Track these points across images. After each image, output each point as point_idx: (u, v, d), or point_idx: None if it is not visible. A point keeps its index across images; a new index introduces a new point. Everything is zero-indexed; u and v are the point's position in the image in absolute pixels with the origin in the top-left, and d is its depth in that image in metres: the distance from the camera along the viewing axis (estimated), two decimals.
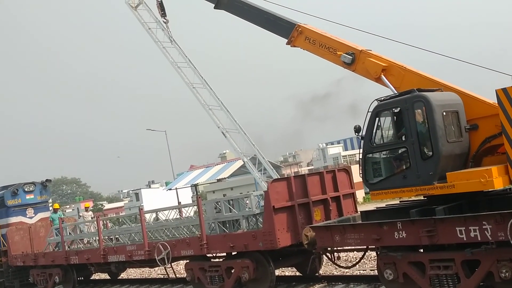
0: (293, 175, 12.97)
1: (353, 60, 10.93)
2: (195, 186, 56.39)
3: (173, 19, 17.59)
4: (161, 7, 17.27)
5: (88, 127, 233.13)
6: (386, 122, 9.60)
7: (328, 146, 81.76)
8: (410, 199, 10.05)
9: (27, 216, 21.49)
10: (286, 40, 12.28)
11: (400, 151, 9.37)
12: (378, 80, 10.59)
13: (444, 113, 8.89)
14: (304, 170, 66.49)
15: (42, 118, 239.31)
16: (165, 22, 17.46)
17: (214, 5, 14.08)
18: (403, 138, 9.23)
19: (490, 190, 8.47)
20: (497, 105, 8.49)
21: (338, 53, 11.12)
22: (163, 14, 17.38)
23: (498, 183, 8.21)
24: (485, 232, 8.06)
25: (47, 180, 23.05)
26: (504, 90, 8.29)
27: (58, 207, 21.51)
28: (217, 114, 16.49)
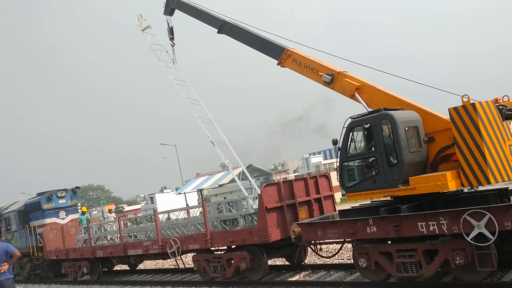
0: (282, 180, 12.95)
1: (332, 80, 10.90)
2: (200, 191, 56.31)
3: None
4: (171, 31, 16.79)
5: (112, 142, 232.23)
6: (358, 135, 9.64)
7: (310, 156, 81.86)
8: (379, 200, 10.07)
9: (60, 217, 21.41)
10: (277, 61, 12.22)
11: (370, 160, 9.37)
12: (352, 97, 10.60)
13: (406, 128, 8.93)
14: (291, 176, 66.45)
15: (73, 135, 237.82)
16: (172, 45, 16.96)
17: (217, 30, 13.93)
18: (373, 149, 9.23)
19: (445, 191, 8.48)
20: (450, 120, 8.57)
21: (320, 73, 11.10)
22: (172, 38, 16.90)
23: (452, 186, 8.26)
24: (442, 226, 8.09)
25: (76, 187, 22.99)
26: (455, 108, 8.37)
27: (86, 210, 21.44)
28: (208, 128, 16.21)
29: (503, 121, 8.51)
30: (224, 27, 13.72)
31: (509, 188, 9.27)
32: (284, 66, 12.13)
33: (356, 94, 10.47)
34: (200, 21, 14.69)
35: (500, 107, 8.61)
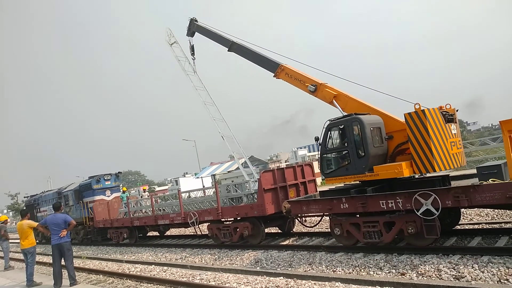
0: (276, 168, 12.93)
1: (315, 89, 10.85)
2: (213, 176, 56.30)
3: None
4: (192, 49, 16.75)
5: (148, 138, 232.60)
6: (335, 134, 9.61)
7: (298, 149, 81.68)
8: (350, 183, 10.07)
9: (106, 195, 21.44)
10: (273, 74, 12.16)
11: (344, 153, 9.33)
12: (331, 103, 10.55)
13: (372, 129, 8.91)
14: (283, 165, 66.44)
15: (118, 134, 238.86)
16: (193, 59, 16.85)
17: (227, 48, 13.85)
18: (346, 144, 9.21)
19: (401, 177, 8.46)
20: (405, 123, 8.55)
21: (306, 84, 11.07)
22: (193, 54, 16.81)
23: (406, 173, 8.26)
24: (398, 204, 8.12)
25: (119, 172, 23.05)
26: (409, 114, 8.35)
27: (125, 189, 21.44)
28: (220, 125, 16.17)
29: (446, 123, 8.51)
30: (233, 46, 13.67)
31: (449, 175, 9.28)
32: (278, 78, 12.05)
33: (334, 101, 10.42)
34: (214, 41, 14.59)
35: (443, 112, 8.62)
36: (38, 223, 10.75)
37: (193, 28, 15.88)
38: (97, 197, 21.06)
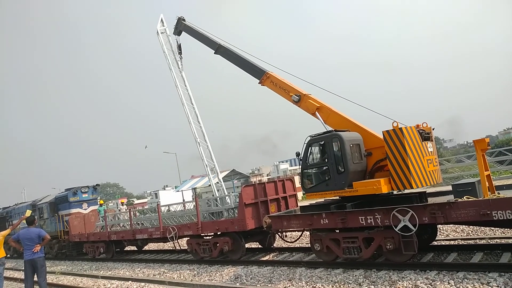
0: (257, 182, 12.92)
1: (299, 99, 10.80)
2: (194, 189, 55.69)
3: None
4: (179, 48, 16.58)
5: (127, 148, 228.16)
6: (315, 150, 9.66)
7: (280, 163, 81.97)
8: (330, 199, 10.12)
9: (83, 208, 20.90)
10: (258, 81, 12.05)
11: (324, 168, 9.38)
12: (314, 115, 10.51)
13: (351, 145, 9.03)
14: (265, 179, 66.41)
15: (100, 140, 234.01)
16: (180, 59, 16.64)
17: (214, 51, 13.62)
18: (326, 160, 9.28)
19: (379, 193, 8.53)
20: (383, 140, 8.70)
21: (290, 94, 11.03)
22: (180, 53, 16.63)
23: (384, 189, 8.36)
24: (377, 219, 8.20)
25: (97, 185, 22.53)
26: (387, 131, 8.49)
27: (103, 202, 21.02)
28: (198, 130, 15.93)
29: (422, 141, 8.69)
30: (220, 49, 13.47)
31: (426, 192, 9.47)
32: (263, 85, 11.93)
33: (317, 112, 10.42)
34: (201, 42, 14.35)
35: (420, 131, 8.80)
36: (9, 234, 10.33)
37: (180, 27, 15.78)
38: (74, 210, 20.50)
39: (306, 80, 11.62)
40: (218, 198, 13.47)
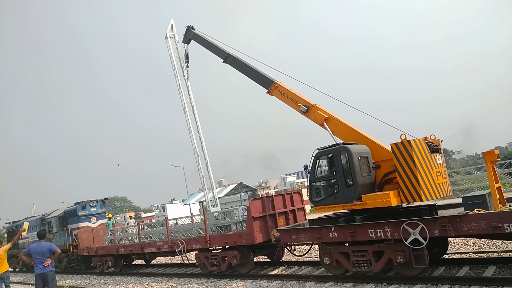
0: (265, 195, 12.90)
1: (307, 110, 10.77)
2: (201, 202, 55.64)
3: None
4: (186, 57, 16.58)
5: (134, 163, 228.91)
6: (323, 163, 9.63)
7: (287, 176, 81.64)
8: (339, 212, 10.07)
9: (91, 222, 20.98)
10: (266, 90, 12.01)
11: (332, 181, 9.36)
12: (322, 125, 10.47)
13: (359, 158, 9.02)
14: (272, 191, 66.16)
15: (108, 155, 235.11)
16: (186, 67, 16.64)
17: (223, 60, 13.58)
18: (334, 173, 9.26)
19: (389, 206, 8.48)
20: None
21: (298, 104, 10.99)
22: (187, 62, 16.61)
23: (394, 202, 8.31)
24: (387, 233, 8.14)
25: (105, 198, 22.67)
26: (396, 144, 8.49)
27: (111, 216, 21.08)
28: (197, 143, 16.10)
29: (431, 153, 8.67)
30: (228, 58, 13.45)
31: (436, 204, 9.40)
32: (271, 95, 11.89)
33: (325, 123, 10.39)
34: (210, 51, 14.32)
35: (428, 143, 8.78)
36: (10, 248, 10.59)
37: (190, 35, 15.79)
38: (82, 224, 20.57)
39: (312, 87, 11.56)
40: (225, 212, 13.47)
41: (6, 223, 34.24)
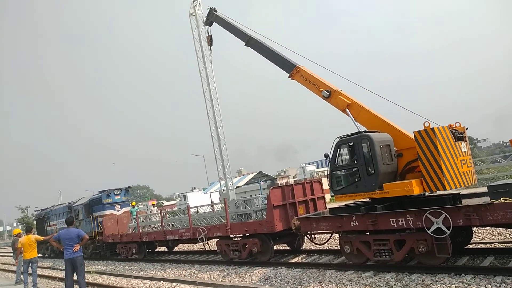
0: (285, 184, 12.95)
1: (329, 95, 10.66)
2: (220, 191, 56.25)
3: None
4: (210, 39, 16.40)
5: (157, 153, 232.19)
6: (344, 151, 9.58)
7: (306, 165, 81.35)
8: (360, 201, 10.02)
9: (116, 210, 21.62)
10: (288, 75, 11.92)
11: (353, 170, 9.31)
12: (344, 111, 10.39)
13: (381, 146, 8.94)
14: (291, 181, 66.18)
15: (129, 149, 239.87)
16: (210, 50, 16.52)
17: (245, 43, 13.49)
18: (355, 162, 9.21)
19: (411, 195, 8.39)
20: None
21: (320, 89, 10.88)
22: (210, 44, 16.47)
23: (416, 191, 8.22)
24: (409, 222, 8.08)
25: (128, 187, 23.24)
26: (418, 132, 8.37)
27: (135, 204, 21.63)
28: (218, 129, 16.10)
29: (455, 141, 8.50)
30: (250, 41, 13.34)
31: (460, 193, 9.23)
32: (293, 79, 11.81)
33: (347, 109, 10.30)
34: (232, 33, 14.22)
35: (453, 131, 8.62)
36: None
37: (212, 18, 15.69)
38: (107, 212, 21.23)
39: (334, 72, 11.36)
40: (246, 200, 13.61)
41: (35, 211, 35.57)
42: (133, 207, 20.68)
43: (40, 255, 27.92)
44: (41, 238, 12.94)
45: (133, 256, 18.44)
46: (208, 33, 16.52)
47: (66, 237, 8.93)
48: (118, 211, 21.54)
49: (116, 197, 21.87)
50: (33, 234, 13.01)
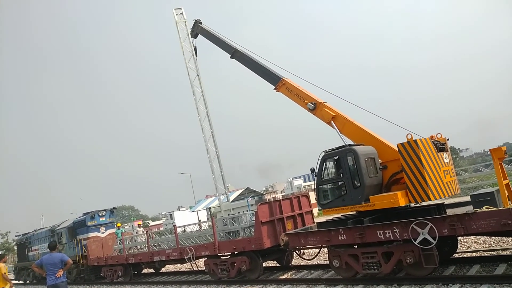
0: (273, 200, 12.93)
1: (315, 108, 10.75)
2: (209, 209, 55.72)
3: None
4: (195, 50, 16.69)
5: (141, 171, 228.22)
6: (330, 165, 9.64)
7: (293, 179, 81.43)
8: (347, 214, 10.06)
9: (100, 232, 21.11)
10: (274, 87, 11.98)
11: (339, 183, 9.38)
12: (329, 123, 10.46)
13: (366, 159, 9.05)
14: (279, 196, 66.03)
15: (114, 166, 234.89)
16: (195, 61, 16.80)
17: (230, 55, 13.53)
18: (341, 175, 9.29)
19: (397, 206, 8.51)
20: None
21: (306, 102, 10.96)
22: (195, 54, 16.73)
23: (402, 202, 8.34)
24: (395, 233, 8.16)
25: (113, 208, 22.79)
26: (402, 144, 8.53)
27: (120, 225, 21.20)
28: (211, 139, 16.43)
29: (438, 152, 8.69)
30: (236, 54, 13.38)
31: (444, 203, 9.39)
32: (279, 91, 11.87)
33: (332, 121, 10.39)
34: (217, 46, 14.27)
35: (435, 142, 8.81)
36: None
37: (197, 30, 15.81)
38: (92, 234, 20.70)
39: (318, 86, 11.54)
40: (233, 218, 13.51)
41: (16, 236, 34.51)
42: (119, 228, 20.26)
43: (21, 282, 27.04)
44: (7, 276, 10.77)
45: (119, 279, 17.96)
46: (193, 45, 16.71)
47: (49, 263, 8.69)
48: (103, 233, 21.03)
49: (101, 219, 21.39)
50: (4, 263, 11.01)
